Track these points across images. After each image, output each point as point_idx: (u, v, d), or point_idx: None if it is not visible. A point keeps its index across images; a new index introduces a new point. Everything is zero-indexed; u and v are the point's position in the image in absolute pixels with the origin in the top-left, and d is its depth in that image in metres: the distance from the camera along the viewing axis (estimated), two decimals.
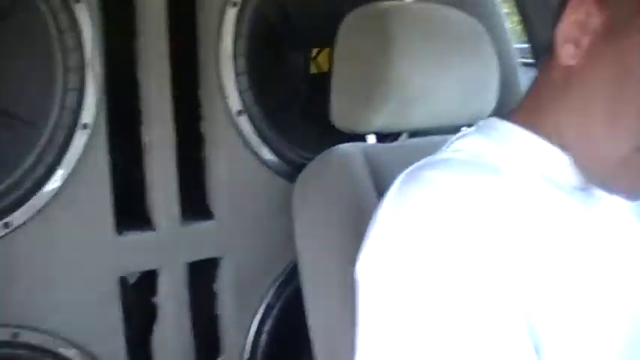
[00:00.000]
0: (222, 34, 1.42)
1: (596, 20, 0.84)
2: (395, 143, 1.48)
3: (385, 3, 1.46)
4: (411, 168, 0.89)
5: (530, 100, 0.96)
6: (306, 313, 1.25)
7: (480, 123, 0.99)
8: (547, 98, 0.92)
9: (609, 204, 0.92)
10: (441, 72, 1.27)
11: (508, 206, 0.82)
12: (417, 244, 0.79)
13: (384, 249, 0.82)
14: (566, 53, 0.86)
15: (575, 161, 0.89)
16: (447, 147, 0.96)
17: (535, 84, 0.96)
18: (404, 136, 1.57)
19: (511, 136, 0.93)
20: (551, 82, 0.91)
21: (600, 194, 0.91)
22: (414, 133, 1.48)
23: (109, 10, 1.33)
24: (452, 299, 0.76)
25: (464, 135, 0.97)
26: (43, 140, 1.25)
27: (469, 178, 0.83)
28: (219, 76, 1.42)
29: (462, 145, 0.94)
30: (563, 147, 0.90)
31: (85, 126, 1.28)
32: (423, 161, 0.91)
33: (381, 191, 1.16)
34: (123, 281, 1.39)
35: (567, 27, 0.86)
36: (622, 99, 0.82)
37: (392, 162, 1.21)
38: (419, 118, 1.30)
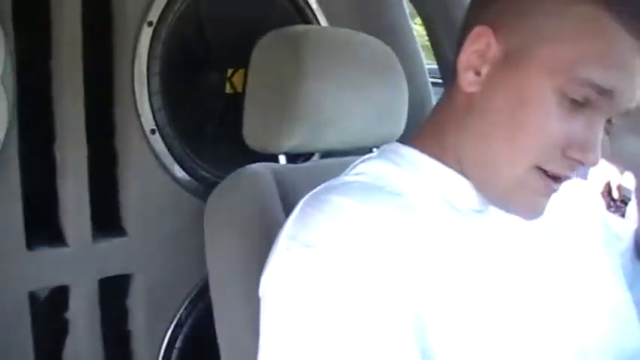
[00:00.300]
0: (137, 53, 1.43)
1: (495, 50, 0.90)
2: (305, 164, 1.51)
3: (299, 27, 1.50)
4: (313, 191, 0.93)
5: (432, 124, 1.00)
6: (216, 329, 1.26)
7: (383, 147, 1.03)
8: (448, 123, 0.96)
9: (505, 224, 0.96)
10: (352, 95, 1.30)
11: (404, 228, 0.86)
12: (314, 265, 0.83)
13: (284, 269, 0.86)
14: (467, 80, 0.92)
15: (474, 184, 0.94)
16: (351, 170, 1.00)
17: (437, 109, 1.01)
18: (316, 156, 1.60)
19: (412, 160, 0.97)
20: (453, 108, 0.96)
21: (498, 215, 0.95)
22: (325, 154, 1.51)
23: (23, 25, 1.32)
24: (343, 316, 0.80)
25: (367, 159, 1.01)
26: None
27: (367, 202, 0.87)
28: (133, 95, 1.43)
29: (365, 169, 0.98)
30: (463, 170, 0.94)
31: None
32: (324, 185, 0.94)
33: (288, 211, 1.18)
34: (33, 296, 1.38)
35: (468, 56, 0.92)
36: (520, 123, 0.87)
37: (301, 182, 1.23)
38: (330, 140, 1.33)
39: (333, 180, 0.97)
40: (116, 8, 1.43)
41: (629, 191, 2.29)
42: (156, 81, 1.45)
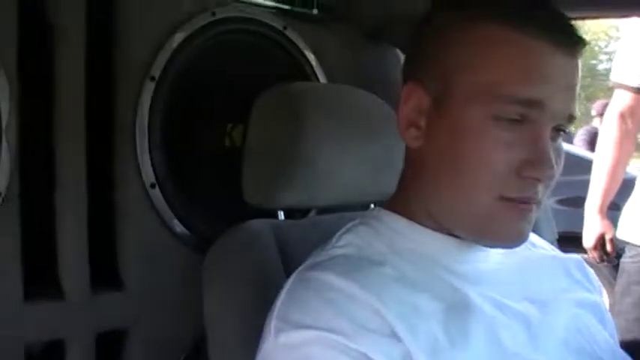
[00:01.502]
0: (140, 107, 1.44)
1: (426, 101, 0.94)
2: (304, 220, 1.51)
3: (297, 84, 1.52)
4: (300, 268, 0.96)
5: (401, 188, 1.04)
6: None
7: (365, 213, 1.07)
8: (410, 183, 1.00)
9: (490, 272, 0.99)
10: (350, 152, 1.31)
11: (389, 297, 0.88)
12: (306, 346, 0.84)
13: (276, 353, 0.87)
14: (411, 137, 0.96)
15: (453, 231, 0.96)
16: (335, 242, 1.01)
17: (402, 173, 1.04)
18: (313, 212, 1.61)
19: (391, 225, 1.00)
20: (409, 168, 1.01)
21: (482, 267, 0.98)
22: (323, 209, 1.52)
23: (27, 77, 1.33)
24: None
25: (351, 226, 1.03)
26: None
27: (352, 277, 0.89)
28: (134, 148, 1.44)
29: (349, 239, 1.00)
30: (439, 223, 0.97)
31: None
32: (310, 261, 0.97)
33: (288, 268, 1.19)
34: (29, 350, 1.37)
35: (406, 114, 0.96)
36: (463, 159, 0.90)
37: (300, 238, 1.24)
38: (327, 196, 1.34)
39: (318, 254, 1.00)
40: (119, 62, 1.44)
41: (622, 243, 2.31)
42: (157, 135, 1.46)
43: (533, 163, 0.88)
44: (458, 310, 0.91)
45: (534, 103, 0.87)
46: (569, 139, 5.82)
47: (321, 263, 0.95)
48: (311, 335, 0.84)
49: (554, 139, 0.92)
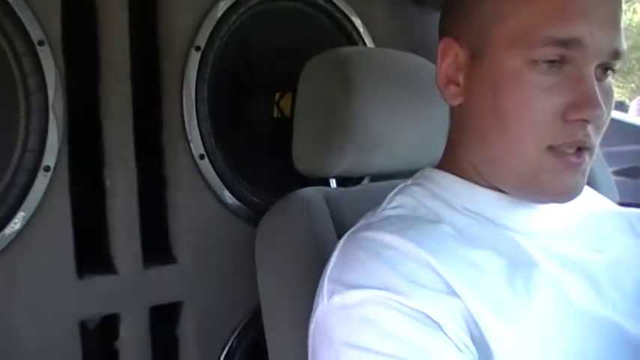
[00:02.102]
0: (186, 78, 1.43)
1: (463, 56, 0.92)
2: (356, 187, 1.49)
3: (346, 48, 1.49)
4: (352, 229, 0.94)
5: (448, 146, 1.02)
6: (269, 358, 1.24)
7: (417, 174, 1.04)
8: (456, 141, 0.98)
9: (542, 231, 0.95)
10: (401, 116, 1.29)
11: (447, 255, 0.85)
12: (361, 307, 0.82)
13: (331, 313, 0.85)
14: (450, 94, 0.95)
15: (502, 187, 0.93)
16: (386, 204, 0.99)
17: (448, 132, 1.02)
18: (366, 179, 1.58)
19: (443, 184, 0.98)
20: (453, 125, 0.99)
21: (535, 223, 0.95)
22: (375, 177, 1.49)
23: (73, 53, 1.33)
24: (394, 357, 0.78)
25: (401, 189, 1.01)
26: (4, 182, 1.24)
27: (408, 235, 0.86)
28: (182, 120, 1.42)
29: (401, 200, 0.98)
30: (487, 179, 0.94)
31: (46, 168, 1.27)
32: (363, 222, 0.95)
33: (341, 235, 1.17)
34: (83, 325, 1.37)
35: (444, 71, 0.95)
36: (505, 111, 0.87)
37: (353, 206, 1.22)
38: (379, 163, 1.32)
39: (370, 215, 0.98)
40: (164, 33, 1.43)
41: None
42: (204, 106, 1.44)
43: (578, 104, 0.84)
44: (521, 266, 0.88)
45: (572, 42, 0.84)
46: (624, 109, 5.73)
47: (374, 224, 0.92)
48: (366, 295, 0.81)
49: (600, 78, 0.87)
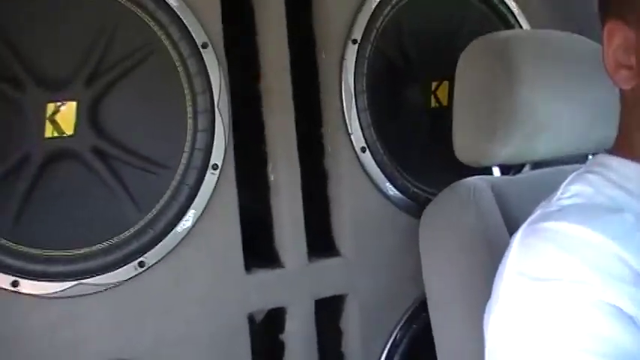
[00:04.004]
0: (344, 71, 1.43)
1: (632, 37, 0.86)
2: (521, 175, 1.46)
3: (505, 32, 1.46)
4: (530, 219, 0.89)
5: (622, 131, 0.96)
6: (436, 350, 1.23)
7: (589, 162, 0.99)
8: (632, 126, 0.92)
9: None
10: (564, 100, 1.25)
11: (633, 246, 0.80)
12: (547, 300, 0.79)
13: (515, 307, 0.82)
14: (621, 78, 0.89)
15: None
16: (561, 193, 0.94)
17: (620, 116, 0.96)
18: (527, 167, 1.54)
19: (622, 171, 0.92)
20: (628, 109, 0.93)
21: None
22: (537, 164, 1.46)
23: (234, 53, 1.36)
24: (581, 353, 0.75)
25: (575, 178, 0.96)
26: (175, 181, 1.29)
27: (590, 224, 0.82)
28: (342, 113, 1.43)
29: (577, 189, 0.93)
30: None
31: (214, 166, 1.31)
32: (540, 212, 0.90)
33: (510, 225, 1.15)
34: (251, 318, 1.41)
35: (613, 55, 0.88)
36: None
37: (520, 194, 1.20)
38: (544, 148, 1.28)
39: (546, 205, 0.93)
40: (320, 28, 1.44)
41: None
42: (363, 98, 1.45)
43: None
44: None
45: None
46: None
47: (552, 214, 0.88)
48: (553, 287, 0.78)
49: None
